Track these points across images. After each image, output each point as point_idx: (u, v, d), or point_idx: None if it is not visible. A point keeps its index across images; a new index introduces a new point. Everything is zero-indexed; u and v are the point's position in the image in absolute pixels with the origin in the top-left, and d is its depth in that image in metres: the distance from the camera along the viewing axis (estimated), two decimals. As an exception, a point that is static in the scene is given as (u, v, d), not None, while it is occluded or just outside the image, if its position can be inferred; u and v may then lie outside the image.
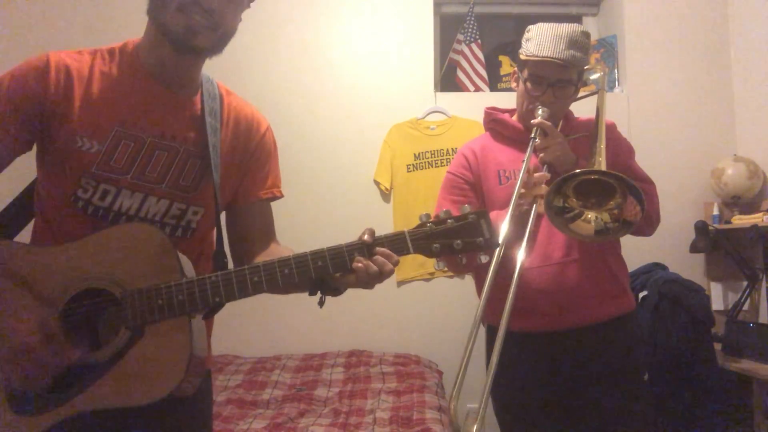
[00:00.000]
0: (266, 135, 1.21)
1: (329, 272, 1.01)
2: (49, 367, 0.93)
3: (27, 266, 0.99)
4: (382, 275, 0.99)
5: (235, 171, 1.17)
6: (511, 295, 1.37)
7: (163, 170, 1.07)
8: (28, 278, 0.97)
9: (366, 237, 1.01)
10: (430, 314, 2.88)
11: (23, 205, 1.13)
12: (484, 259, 1.04)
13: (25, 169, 1.12)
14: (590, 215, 1.41)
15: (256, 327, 2.88)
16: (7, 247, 1.01)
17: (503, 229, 1.41)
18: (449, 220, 1.02)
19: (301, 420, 2.09)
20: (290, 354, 2.80)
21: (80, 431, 0.96)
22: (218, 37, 1.05)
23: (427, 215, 1.03)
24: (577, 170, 1.38)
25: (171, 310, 0.96)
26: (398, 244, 1.02)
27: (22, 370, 0.92)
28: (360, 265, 0.99)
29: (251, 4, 1.13)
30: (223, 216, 1.20)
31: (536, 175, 1.46)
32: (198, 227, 1.12)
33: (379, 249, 1.00)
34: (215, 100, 1.14)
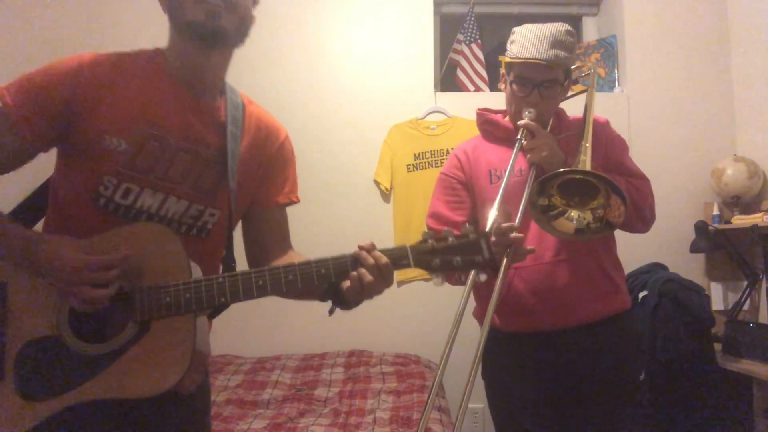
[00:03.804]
0: (285, 142, 1.25)
1: (332, 280, 1.04)
2: (98, 287, 0.96)
3: None
4: (377, 282, 1.03)
5: (253, 178, 1.19)
6: (495, 295, 1.37)
7: (185, 171, 1.09)
8: None
9: (368, 246, 1.05)
10: (430, 314, 2.88)
11: (38, 201, 1.15)
12: (482, 277, 1.06)
13: (40, 165, 1.13)
14: (573, 213, 1.41)
15: (256, 327, 2.88)
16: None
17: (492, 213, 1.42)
18: (450, 238, 1.06)
19: (301, 420, 2.09)
20: (290, 354, 2.81)
21: (81, 421, 0.98)
22: (238, 19, 1.07)
23: (428, 232, 1.08)
24: (560, 170, 1.38)
25: (177, 308, 0.99)
26: (399, 256, 1.06)
27: (82, 290, 0.95)
28: (354, 274, 1.03)
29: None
30: (238, 226, 1.23)
31: (504, 225, 1.40)
32: (213, 229, 1.14)
33: (374, 252, 1.04)
34: (238, 108, 1.17)
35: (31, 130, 1.02)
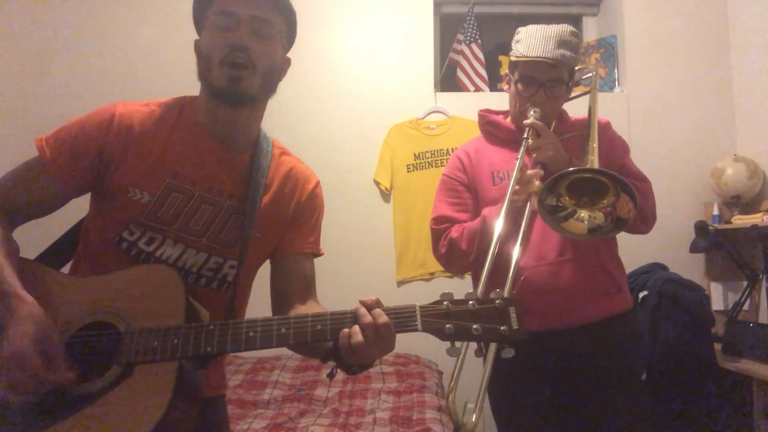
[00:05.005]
0: (314, 192, 1.24)
1: (326, 338, 0.95)
2: (38, 381, 0.90)
3: (50, 291, 1.01)
4: (373, 345, 0.91)
5: (278, 226, 1.18)
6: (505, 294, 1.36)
7: (206, 224, 1.10)
8: (48, 303, 0.98)
9: (371, 303, 0.95)
10: (430, 314, 2.87)
11: (71, 241, 1.17)
12: (507, 353, 0.93)
13: (78, 201, 1.15)
14: (583, 214, 1.41)
15: (256, 327, 2.88)
16: (37, 271, 1.04)
17: (498, 223, 1.41)
18: (471, 302, 0.94)
19: (301, 420, 2.09)
20: (290, 354, 2.80)
21: None
22: (261, 78, 1.07)
23: (447, 293, 0.95)
24: (570, 168, 1.38)
25: (163, 353, 0.94)
26: (405, 317, 0.94)
27: (12, 377, 0.90)
28: (345, 331, 0.93)
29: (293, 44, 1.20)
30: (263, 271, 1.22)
31: (529, 172, 1.46)
32: (233, 281, 1.13)
33: (375, 311, 0.93)
34: (267, 157, 1.17)
35: (66, 178, 1.06)
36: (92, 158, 1.06)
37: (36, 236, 1.19)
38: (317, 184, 1.25)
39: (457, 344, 0.95)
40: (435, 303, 0.95)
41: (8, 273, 0.97)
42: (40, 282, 1.02)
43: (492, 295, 0.94)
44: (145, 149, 1.07)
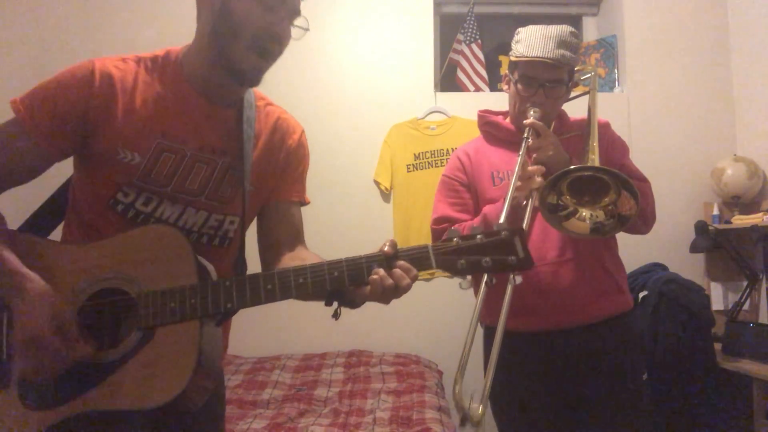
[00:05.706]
0: (301, 140, 1.22)
1: (345, 284, 0.97)
2: (59, 360, 0.92)
3: (50, 262, 0.99)
4: (398, 290, 0.95)
5: (269, 178, 1.17)
6: (507, 297, 1.36)
7: (203, 183, 1.08)
8: (50, 274, 0.96)
9: (387, 249, 0.97)
10: (430, 314, 2.88)
11: (58, 204, 1.14)
12: (517, 279, 0.98)
13: (60, 165, 1.11)
14: (585, 213, 1.41)
15: (256, 327, 2.88)
16: (30, 243, 1.01)
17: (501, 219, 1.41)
18: (479, 236, 0.97)
19: (301, 420, 2.09)
20: (290, 354, 2.81)
21: (85, 429, 0.96)
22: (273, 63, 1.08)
23: (455, 230, 0.99)
24: (571, 167, 1.38)
25: (183, 314, 0.95)
26: (420, 258, 0.97)
27: (32, 359, 0.91)
28: (375, 277, 0.95)
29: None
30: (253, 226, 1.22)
31: (531, 168, 1.46)
32: (235, 236, 1.13)
33: (398, 262, 0.96)
34: (252, 108, 1.15)
35: (46, 140, 1.01)
36: (76, 120, 1.01)
37: (14, 202, 1.11)
38: (302, 132, 1.23)
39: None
40: (445, 241, 0.98)
41: (5, 250, 0.94)
42: (37, 254, 0.99)
43: (496, 227, 0.98)
44: (130, 108, 1.03)
